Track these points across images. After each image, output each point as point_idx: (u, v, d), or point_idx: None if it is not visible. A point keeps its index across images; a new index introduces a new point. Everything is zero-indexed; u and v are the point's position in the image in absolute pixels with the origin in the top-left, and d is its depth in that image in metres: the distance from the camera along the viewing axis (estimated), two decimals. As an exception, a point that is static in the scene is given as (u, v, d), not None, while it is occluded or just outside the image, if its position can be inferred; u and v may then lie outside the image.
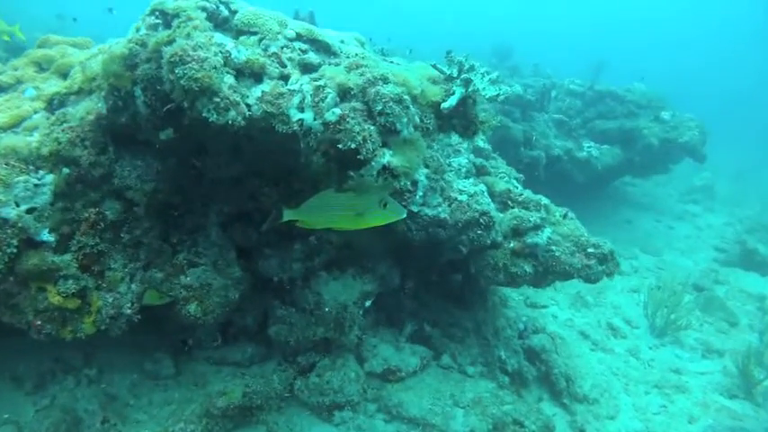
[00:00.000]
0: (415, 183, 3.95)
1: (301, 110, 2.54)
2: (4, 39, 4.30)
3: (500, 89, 2.87)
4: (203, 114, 2.46)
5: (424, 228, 3.98)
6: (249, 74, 2.63)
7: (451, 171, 4.26)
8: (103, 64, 2.89)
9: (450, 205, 4.03)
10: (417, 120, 2.76)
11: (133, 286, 3.25)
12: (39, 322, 3.00)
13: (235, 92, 2.51)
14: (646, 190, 10.85)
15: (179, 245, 3.45)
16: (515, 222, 4.18)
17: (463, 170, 4.39)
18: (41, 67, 3.61)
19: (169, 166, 3.23)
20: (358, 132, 2.48)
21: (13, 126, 3.13)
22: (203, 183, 3.42)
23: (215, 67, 2.46)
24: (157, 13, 2.98)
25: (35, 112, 3.19)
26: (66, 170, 3.01)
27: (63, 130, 3.03)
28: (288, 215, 2.93)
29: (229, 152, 3.16)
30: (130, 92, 2.89)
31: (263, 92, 2.57)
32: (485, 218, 3.99)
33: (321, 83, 2.58)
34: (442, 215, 3.97)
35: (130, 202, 3.18)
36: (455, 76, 3.03)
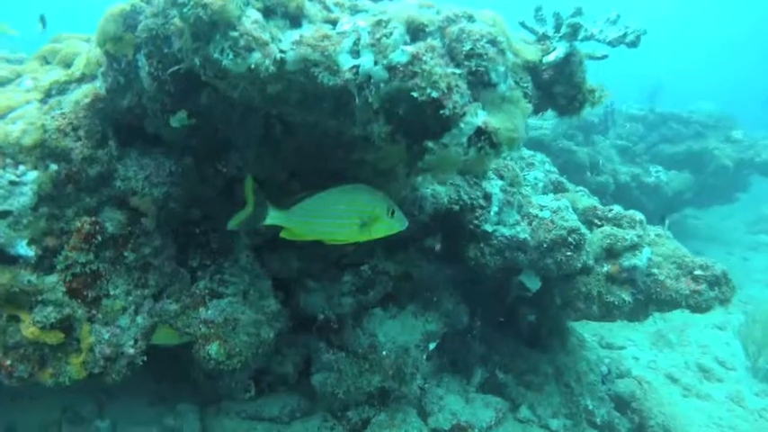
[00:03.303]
0: (488, 196, 2.98)
1: (356, 54, 1.60)
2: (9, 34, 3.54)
3: (626, 28, 1.90)
4: (215, 56, 1.55)
5: (499, 251, 2.99)
6: (282, 14, 1.71)
7: (527, 185, 3.28)
8: (99, 26, 2.03)
9: (530, 223, 3.04)
10: (511, 81, 1.80)
11: (139, 319, 2.30)
12: (8, 362, 2.08)
13: (262, 29, 1.59)
14: (709, 223, 9.41)
15: (199, 270, 2.51)
16: (609, 242, 3.16)
17: (540, 185, 3.42)
18: (47, 60, 2.79)
19: (186, 168, 2.32)
20: (440, 76, 1.53)
21: (-2, 118, 2.27)
22: (231, 192, 2.49)
23: (233, -8, 1.55)
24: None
25: (27, 103, 2.32)
26: (53, 166, 2.13)
27: (53, 117, 2.16)
28: (273, 217, 2.07)
29: (260, 144, 2.24)
30: (132, 61, 2.02)
31: (301, 35, 1.65)
32: (574, 236, 2.98)
33: (383, 17, 1.65)
34: (522, 235, 2.98)
35: (136, 211, 2.27)
36: (550, 34, 2.09)
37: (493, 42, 1.67)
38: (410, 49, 1.55)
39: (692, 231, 8.79)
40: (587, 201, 3.51)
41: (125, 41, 2.00)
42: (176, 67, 1.82)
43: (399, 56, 1.54)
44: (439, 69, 1.54)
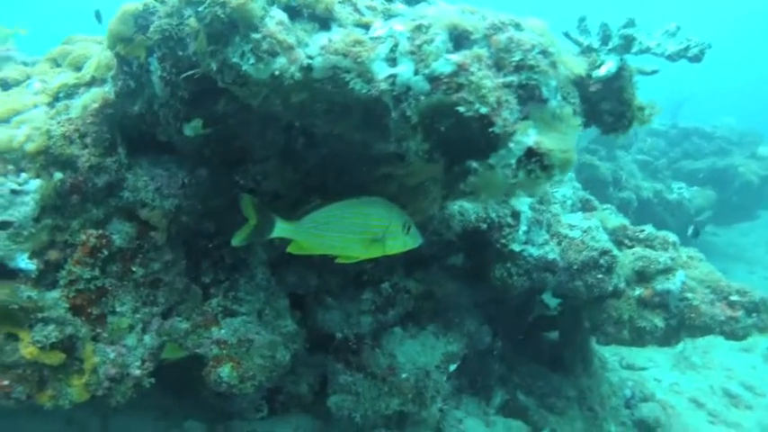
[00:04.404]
0: (516, 214, 2.75)
1: (392, 62, 1.38)
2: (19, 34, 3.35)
3: (689, 41, 1.67)
4: (233, 60, 1.34)
5: (527, 272, 2.76)
6: (309, 16, 1.50)
7: (556, 203, 3.04)
8: (110, 26, 1.83)
9: (559, 243, 2.81)
10: (560, 96, 1.57)
11: (147, 338, 2.10)
12: (6, 381, 1.88)
13: (287, 31, 1.38)
14: (730, 240, 8.94)
15: (212, 286, 2.29)
16: (641, 264, 2.92)
17: (568, 203, 3.18)
18: (57, 63, 2.59)
19: (200, 179, 2.11)
20: (489, 90, 1.31)
21: (3, 121, 2.06)
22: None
23: (256, -10, 1.34)
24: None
25: (34, 107, 2.12)
26: (58, 175, 1.93)
27: (58, 123, 1.96)
28: (281, 230, 1.85)
29: (280, 156, 2.03)
30: (144, 65, 1.81)
31: (330, 40, 1.43)
32: (606, 258, 2.75)
33: (423, 22, 1.43)
34: (551, 255, 2.75)
35: (146, 224, 2.06)
36: (596, 47, 1.86)
37: (545, 53, 1.45)
38: (455, 58, 1.34)
39: (712, 248, 8.38)
40: (616, 220, 3.27)
41: (136, 43, 1.80)
42: (191, 72, 1.61)
43: (443, 65, 1.32)
44: (488, 82, 1.31)
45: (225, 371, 2.13)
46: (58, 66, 2.54)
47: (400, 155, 1.96)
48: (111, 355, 2.01)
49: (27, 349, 1.86)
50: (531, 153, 1.37)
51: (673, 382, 4.43)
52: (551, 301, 3.37)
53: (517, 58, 1.41)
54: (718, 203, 7.12)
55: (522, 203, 2.76)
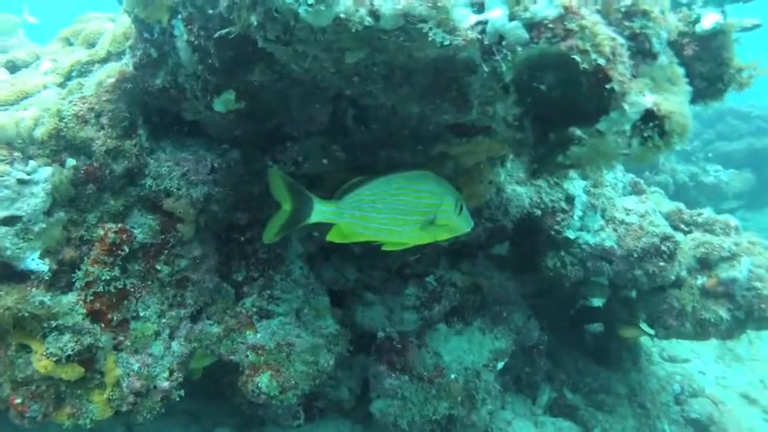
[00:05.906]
0: (570, 199, 2.46)
1: (478, 7, 1.10)
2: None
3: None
4: (287, 1, 1.05)
5: (581, 261, 2.48)
6: (370, -42, 1.21)
7: (607, 186, 2.76)
8: (128, -14, 1.55)
9: (615, 229, 2.52)
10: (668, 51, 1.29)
11: (175, 345, 1.82)
12: (18, 400, 1.61)
13: (347, -29, 1.09)
14: (759, 224, 8.58)
15: (245, 285, 2.01)
16: (703, 250, 2.63)
17: (620, 185, 2.89)
18: (70, 42, 2.32)
19: (231, 163, 1.84)
20: (605, 38, 1.03)
21: (10, 104, 1.79)
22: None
23: None
24: None
25: (45, 88, 1.85)
26: (71, 161, 1.65)
27: (70, 102, 1.69)
28: (321, 213, 1.55)
29: (325, 134, 1.75)
30: (167, 29, 1.53)
31: (397, -16, 1.15)
32: (668, 244, 2.47)
33: (512, -42, 1.15)
34: (608, 243, 2.47)
35: (171, 216, 1.78)
36: (684, 1, 1.57)
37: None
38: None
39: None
40: (671, 203, 2.98)
41: (158, 4, 1.51)
42: (225, 31, 1.32)
43: (546, 9, 1.03)
44: (602, 28, 1.03)
45: (263, 380, 1.86)
46: (71, 45, 2.27)
47: (458, 131, 1.70)
48: (136, 367, 1.74)
49: (41, 363, 1.59)
50: (648, 117, 1.09)
51: (719, 375, 4.11)
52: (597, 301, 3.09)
53: (627, 1, 1.12)
54: (757, 187, 6.70)
55: (576, 187, 2.47)
